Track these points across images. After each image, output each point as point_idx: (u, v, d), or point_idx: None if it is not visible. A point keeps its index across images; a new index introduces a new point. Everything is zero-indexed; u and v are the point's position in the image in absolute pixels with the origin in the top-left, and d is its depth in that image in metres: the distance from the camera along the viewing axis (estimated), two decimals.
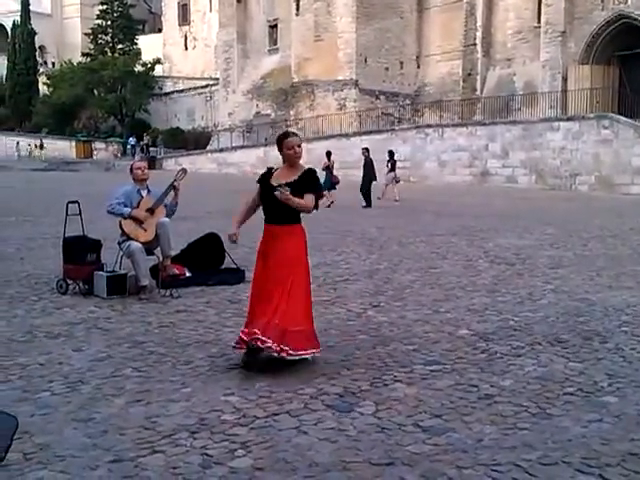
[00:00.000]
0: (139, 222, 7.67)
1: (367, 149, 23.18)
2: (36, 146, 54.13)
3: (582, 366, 5.13)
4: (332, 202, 19.74)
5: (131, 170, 7.96)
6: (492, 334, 6.03)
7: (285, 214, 5.03)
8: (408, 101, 43.38)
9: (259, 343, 4.81)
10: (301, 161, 5.23)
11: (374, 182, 21.56)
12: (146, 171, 7.98)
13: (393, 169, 23.66)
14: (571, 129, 29.50)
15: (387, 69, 43.29)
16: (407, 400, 4.42)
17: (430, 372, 4.97)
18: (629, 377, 4.88)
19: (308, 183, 5.10)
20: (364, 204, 20.47)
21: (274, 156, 5.45)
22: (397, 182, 23.57)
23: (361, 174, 22.20)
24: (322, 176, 21.42)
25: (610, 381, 4.79)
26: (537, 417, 4.15)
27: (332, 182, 21.21)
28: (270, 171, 5.26)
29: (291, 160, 5.16)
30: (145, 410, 4.23)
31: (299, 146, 5.16)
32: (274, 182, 5.08)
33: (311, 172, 5.15)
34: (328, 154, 22.71)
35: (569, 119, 30.42)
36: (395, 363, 5.18)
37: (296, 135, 5.29)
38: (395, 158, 24.17)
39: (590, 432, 3.93)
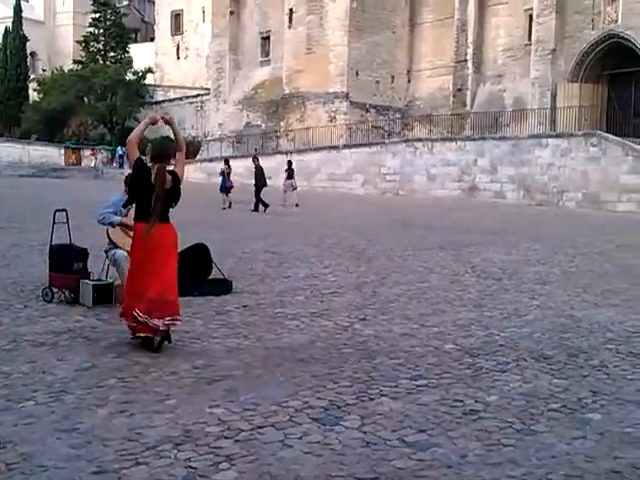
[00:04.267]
0: (127, 230, 7.65)
1: (257, 158, 25.76)
2: None
3: (567, 383, 5.15)
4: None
5: (126, 181, 7.92)
6: (478, 349, 6.05)
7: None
8: (398, 115, 43.50)
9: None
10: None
11: (265, 188, 23.60)
12: None
13: (291, 177, 25.93)
14: (559, 146, 29.69)
15: (378, 83, 43.42)
16: (392, 414, 4.42)
17: (416, 387, 4.98)
18: (613, 394, 4.90)
19: None
20: (264, 208, 22.54)
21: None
22: (294, 189, 25.74)
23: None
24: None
25: (594, 398, 4.81)
26: (521, 433, 4.16)
27: (227, 187, 24.03)
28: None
29: None
30: (129, 421, 4.21)
31: None
32: None
33: None
34: (226, 161, 26.09)
35: (557, 136, 30.62)
36: (381, 377, 5.18)
37: None
38: (293, 167, 26.53)
39: (574, 449, 3.94)
